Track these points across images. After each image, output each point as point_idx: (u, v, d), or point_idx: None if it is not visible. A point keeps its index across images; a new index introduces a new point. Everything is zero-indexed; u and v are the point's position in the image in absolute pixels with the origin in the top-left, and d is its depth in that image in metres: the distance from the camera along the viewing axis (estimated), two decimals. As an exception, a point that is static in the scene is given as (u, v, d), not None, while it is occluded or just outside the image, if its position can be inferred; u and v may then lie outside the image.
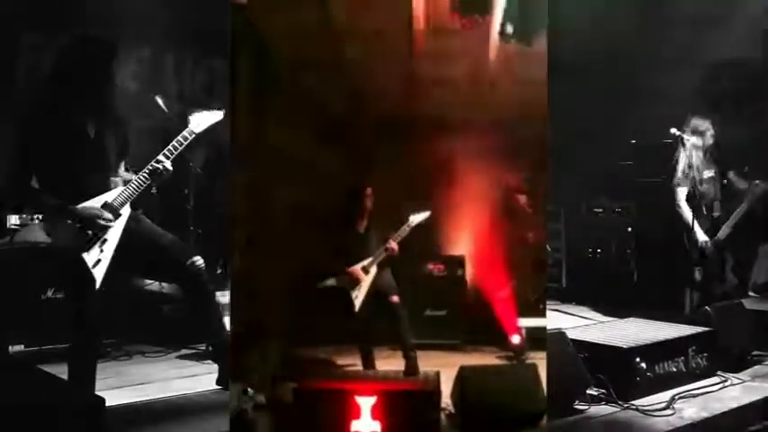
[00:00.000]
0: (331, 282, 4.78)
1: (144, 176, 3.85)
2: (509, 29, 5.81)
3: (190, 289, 3.95)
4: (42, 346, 4.86)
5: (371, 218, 4.92)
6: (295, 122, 5.49)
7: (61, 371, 3.66)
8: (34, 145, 3.67)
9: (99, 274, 3.68)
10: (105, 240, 3.72)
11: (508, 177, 6.07)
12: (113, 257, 3.73)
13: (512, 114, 5.74)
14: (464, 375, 3.96)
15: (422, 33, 5.84)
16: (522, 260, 5.96)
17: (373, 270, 4.77)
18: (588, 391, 4.19)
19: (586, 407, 4.10)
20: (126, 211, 3.81)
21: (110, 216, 3.73)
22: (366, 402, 3.68)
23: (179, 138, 3.97)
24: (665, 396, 4.32)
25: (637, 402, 4.19)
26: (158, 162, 3.88)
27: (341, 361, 4.97)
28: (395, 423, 3.68)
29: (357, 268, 4.77)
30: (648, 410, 4.09)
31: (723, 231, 6.08)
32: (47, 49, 6.20)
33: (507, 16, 5.78)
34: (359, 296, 4.72)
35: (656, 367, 4.45)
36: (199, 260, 3.90)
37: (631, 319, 5.37)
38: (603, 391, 4.26)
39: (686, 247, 6.16)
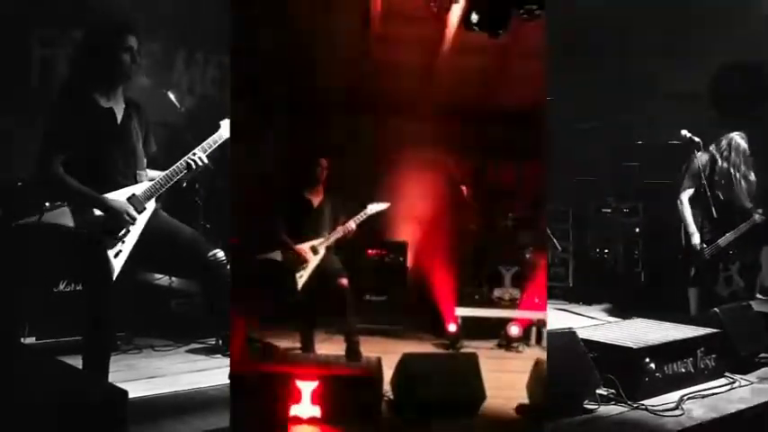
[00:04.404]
0: (275, 255, 4.71)
1: (172, 173, 3.88)
2: (474, 17, 5.68)
3: (209, 282, 3.95)
4: (54, 338, 4.88)
5: (328, 193, 4.87)
6: (246, 98, 5.45)
7: (74, 364, 3.67)
8: (63, 133, 3.69)
9: (118, 265, 3.71)
10: (128, 232, 3.75)
11: (454, 168, 6.06)
12: (133, 249, 3.76)
13: (465, 105, 5.72)
14: (406, 362, 3.95)
15: (379, 16, 5.74)
16: (462, 250, 6.05)
17: (322, 251, 4.71)
18: (598, 391, 4.19)
19: (596, 406, 4.11)
20: (151, 206, 3.84)
21: (135, 213, 3.76)
22: (307, 387, 3.66)
23: (209, 140, 4.00)
24: (673, 396, 4.33)
25: (646, 402, 4.19)
26: (187, 162, 3.90)
27: (279, 342, 4.88)
28: (335, 408, 3.66)
29: (305, 247, 4.69)
30: (658, 411, 4.10)
31: (724, 239, 6.10)
32: (59, 44, 6.24)
33: (473, 4, 5.67)
34: (303, 276, 4.65)
35: (666, 368, 4.46)
36: (219, 253, 3.91)
37: (640, 319, 5.37)
38: (613, 390, 4.26)
39: (683, 246, 6.20)
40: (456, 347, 5.47)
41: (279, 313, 4.91)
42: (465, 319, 5.73)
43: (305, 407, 3.66)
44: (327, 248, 4.76)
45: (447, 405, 3.83)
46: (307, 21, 5.55)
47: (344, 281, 4.69)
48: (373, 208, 4.87)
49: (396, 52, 5.82)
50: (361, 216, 4.83)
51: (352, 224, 4.77)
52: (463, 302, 5.80)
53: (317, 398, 3.66)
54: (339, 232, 4.76)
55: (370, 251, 6.06)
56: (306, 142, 5.39)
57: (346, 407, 3.68)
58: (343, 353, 4.62)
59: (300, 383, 3.67)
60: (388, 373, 4.02)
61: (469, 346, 5.34)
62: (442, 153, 6.06)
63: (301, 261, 4.68)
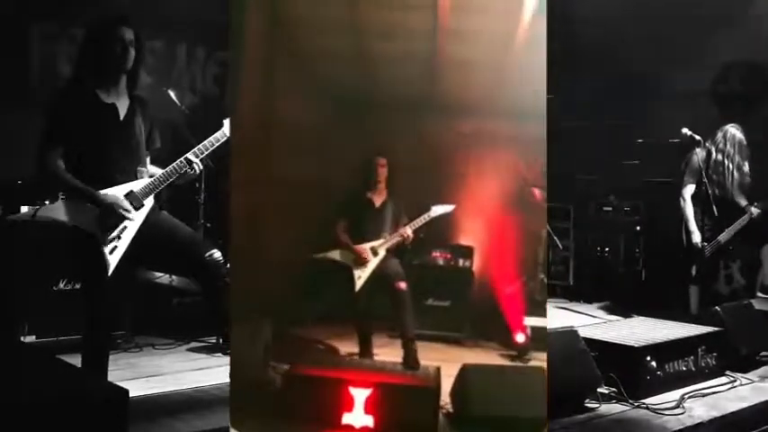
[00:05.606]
0: (334, 254, 4.66)
1: (171, 171, 3.88)
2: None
3: (207, 282, 3.94)
4: (54, 337, 4.87)
5: (390, 194, 4.77)
6: (309, 95, 5.35)
7: (74, 362, 3.66)
8: (63, 127, 3.69)
9: (113, 261, 3.70)
10: (125, 228, 3.75)
11: (526, 169, 5.86)
12: (130, 246, 3.75)
13: (536, 103, 5.55)
14: (467, 374, 3.78)
15: (446, 9, 5.62)
16: (533, 257, 5.76)
17: (382, 253, 4.59)
18: (599, 390, 4.19)
19: (597, 405, 4.10)
20: (149, 203, 3.84)
21: (129, 207, 3.75)
22: (360, 394, 3.48)
23: (211, 139, 3.99)
24: (674, 395, 4.33)
25: (647, 401, 4.20)
26: (188, 160, 3.90)
27: (337, 345, 4.79)
28: (390, 419, 3.46)
29: (366, 248, 4.60)
30: (659, 409, 4.10)
31: (724, 235, 6.10)
32: (59, 40, 6.24)
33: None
34: (362, 277, 4.52)
35: (666, 366, 4.46)
36: (217, 253, 3.90)
37: (641, 317, 5.37)
38: (614, 389, 4.26)
39: (684, 244, 6.20)
40: (524, 359, 5.17)
41: (336, 315, 4.80)
42: (535, 329, 5.31)
43: (357, 415, 3.47)
44: (388, 250, 4.62)
45: (509, 423, 3.58)
46: (373, 16, 5.42)
47: (403, 284, 4.54)
48: (437, 210, 4.71)
49: (465, 48, 5.64)
50: (423, 219, 4.65)
51: (408, 230, 4.65)
52: (534, 311, 5.42)
53: (370, 406, 3.46)
54: (398, 236, 4.65)
55: (435, 254, 5.87)
56: (369, 142, 5.24)
57: (401, 417, 3.47)
58: (401, 359, 4.42)
59: (354, 390, 3.48)
60: (447, 383, 3.84)
61: (539, 359, 4.88)
62: (514, 154, 5.84)
63: (361, 262, 4.57)
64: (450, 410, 3.79)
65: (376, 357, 4.53)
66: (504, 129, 5.72)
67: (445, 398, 3.80)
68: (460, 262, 5.85)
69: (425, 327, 5.10)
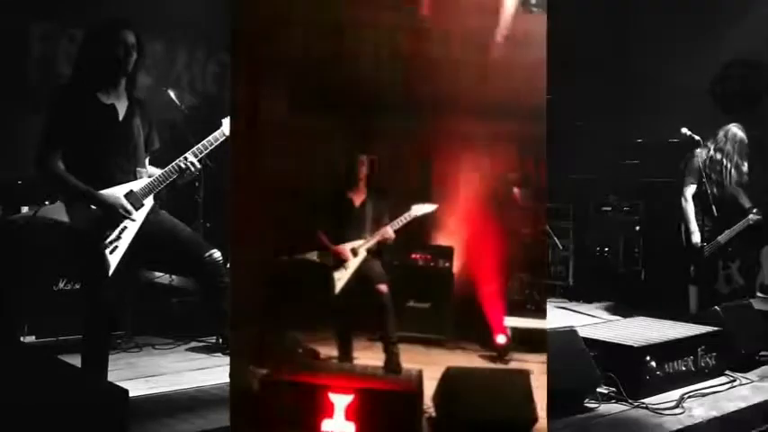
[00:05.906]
0: (312, 256, 4.64)
1: (171, 171, 3.89)
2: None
3: (206, 282, 3.96)
4: (54, 337, 4.87)
5: (370, 192, 4.66)
6: (286, 90, 5.36)
7: (74, 363, 3.66)
8: (62, 128, 3.69)
9: (114, 260, 3.71)
10: (125, 228, 3.75)
11: (507, 169, 5.87)
12: (130, 246, 3.76)
13: (520, 100, 5.55)
14: (451, 377, 3.74)
15: (435, 6, 5.58)
16: (515, 257, 5.84)
17: (362, 253, 4.50)
18: (598, 390, 4.19)
19: (596, 405, 4.11)
20: (149, 202, 3.85)
21: (130, 207, 3.76)
22: (341, 401, 3.41)
23: (210, 138, 4.00)
24: (674, 395, 4.32)
25: (646, 401, 4.19)
26: (187, 160, 3.91)
27: (317, 349, 4.72)
28: (371, 425, 3.39)
29: (345, 248, 4.60)
30: (658, 409, 4.10)
31: (724, 236, 6.10)
32: (58, 40, 6.24)
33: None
34: (341, 279, 4.42)
35: (666, 366, 4.46)
36: (216, 253, 3.92)
37: (640, 317, 5.37)
38: (613, 389, 4.26)
39: (683, 244, 6.20)
40: (504, 360, 4.93)
41: (315, 318, 4.79)
42: (515, 329, 5.06)
43: (338, 422, 3.39)
44: (368, 251, 4.54)
45: (494, 426, 3.54)
46: (350, 15, 5.41)
47: (383, 287, 4.44)
48: (418, 209, 4.60)
49: (446, 46, 5.62)
50: (404, 219, 4.55)
51: (389, 230, 4.63)
52: (513, 312, 5.24)
53: (351, 413, 3.39)
54: (378, 236, 4.62)
55: (414, 255, 5.86)
56: (348, 141, 5.23)
57: (383, 424, 3.41)
58: (382, 363, 4.27)
59: (334, 396, 3.42)
60: (429, 386, 3.76)
61: (520, 359, 4.75)
62: (496, 153, 5.84)
63: (340, 263, 4.53)
64: (433, 415, 3.73)
65: (356, 361, 4.47)
66: (485, 127, 5.73)
67: (427, 402, 3.74)
68: (440, 263, 5.84)
69: (406, 329, 5.06)
